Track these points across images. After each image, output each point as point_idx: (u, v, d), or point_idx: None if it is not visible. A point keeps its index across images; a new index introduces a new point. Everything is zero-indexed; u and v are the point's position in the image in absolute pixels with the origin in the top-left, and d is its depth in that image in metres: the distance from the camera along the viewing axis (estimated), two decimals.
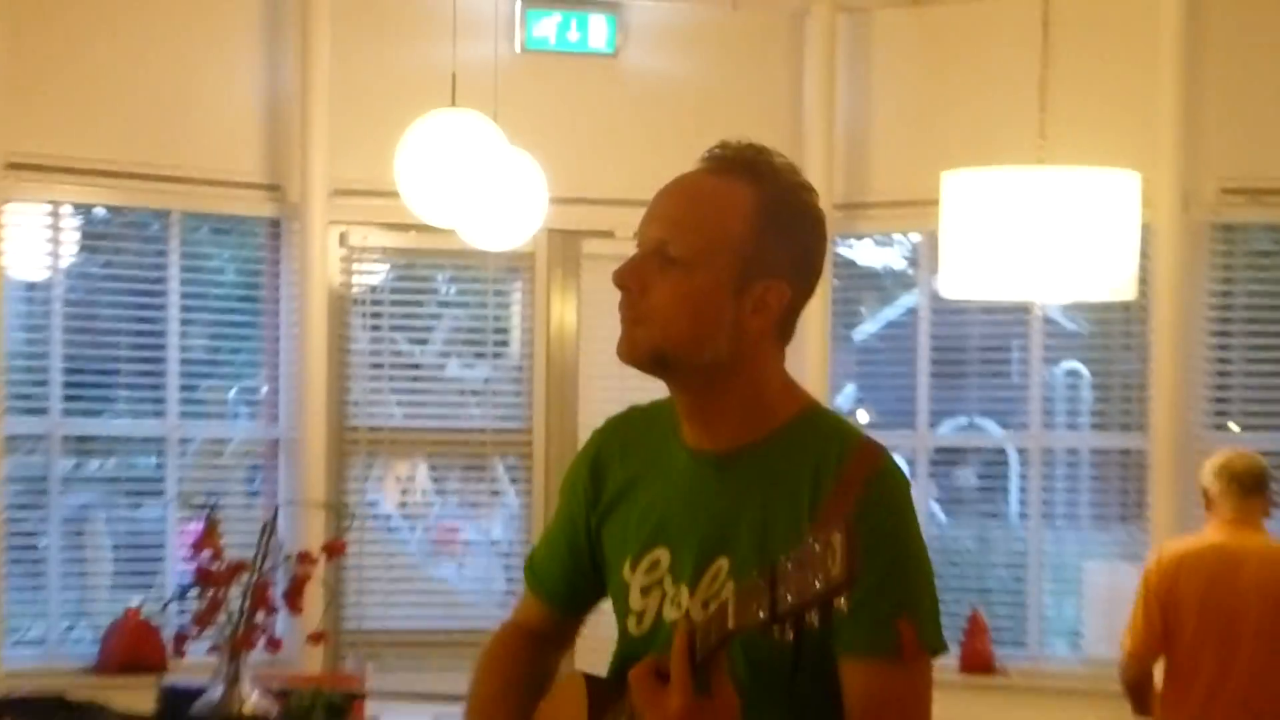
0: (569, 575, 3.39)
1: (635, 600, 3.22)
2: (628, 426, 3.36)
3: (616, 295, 3.10)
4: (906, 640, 3.03)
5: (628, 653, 3.17)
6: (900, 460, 9.64)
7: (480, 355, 9.95)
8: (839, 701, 3.05)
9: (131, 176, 9.15)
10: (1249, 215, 9.26)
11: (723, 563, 3.07)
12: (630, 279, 3.10)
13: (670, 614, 3.13)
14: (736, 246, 3.06)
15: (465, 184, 7.72)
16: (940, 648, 3.11)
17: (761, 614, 2.62)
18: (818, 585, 2.53)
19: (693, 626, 2.82)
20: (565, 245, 9.39)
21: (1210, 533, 7.32)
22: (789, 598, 2.58)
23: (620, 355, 3.14)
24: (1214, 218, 9.25)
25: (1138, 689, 7.34)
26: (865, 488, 3.01)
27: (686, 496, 3.18)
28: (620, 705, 2.95)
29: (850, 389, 10.19)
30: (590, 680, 3.24)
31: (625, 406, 3.39)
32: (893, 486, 3.11)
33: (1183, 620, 7.17)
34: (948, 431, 9.97)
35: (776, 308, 3.12)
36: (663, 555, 3.18)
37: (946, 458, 10.04)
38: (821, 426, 3.19)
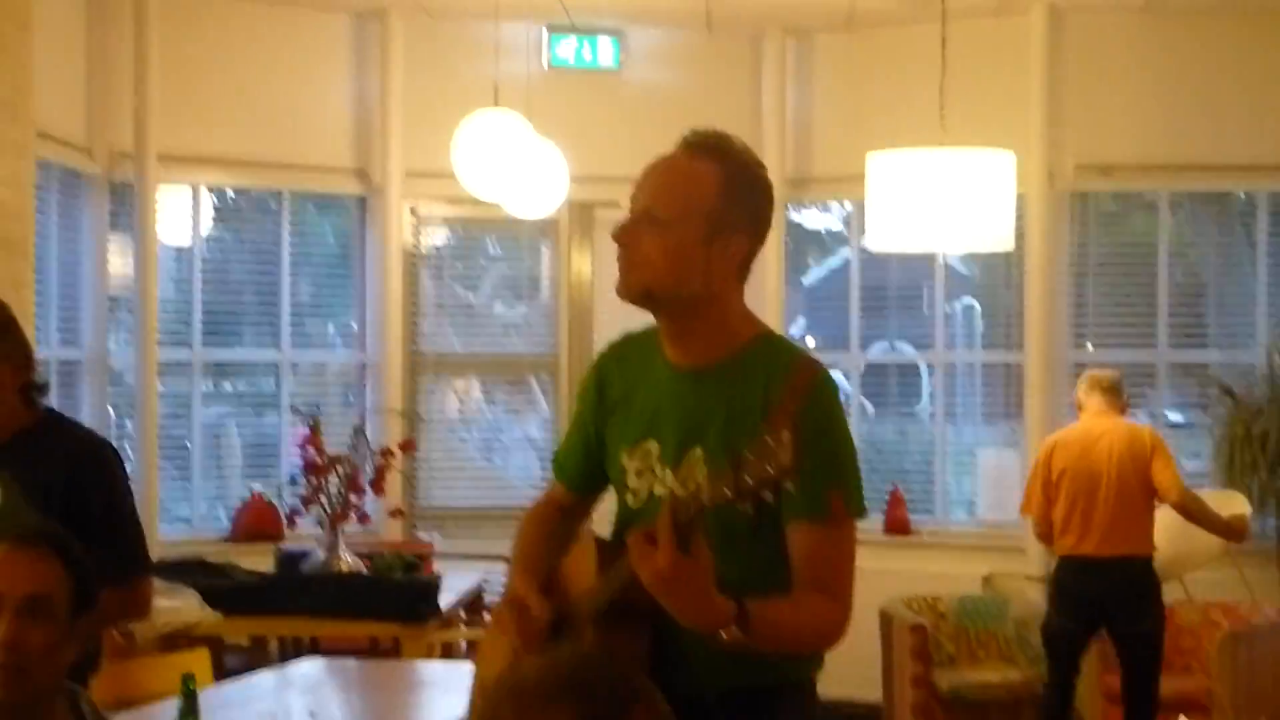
0: (583, 464, 3.40)
1: (631, 480, 3.22)
2: (624, 349, 3.37)
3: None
4: (836, 507, 3.04)
5: (626, 521, 3.17)
6: (838, 374, 9.65)
7: (519, 298, 9.94)
8: (786, 557, 3.06)
9: (252, 164, 9.18)
10: (1098, 186, 9.23)
11: (698, 451, 3.07)
12: (625, 236, 3.13)
13: (659, 491, 3.13)
14: (705, 210, 3.08)
15: (505, 167, 7.73)
16: (862, 513, 3.12)
17: (728, 492, 2.62)
18: (771, 471, 2.54)
19: (676, 502, 2.81)
20: (582, 214, 9.37)
21: (1079, 423, 7.58)
22: (749, 480, 2.58)
23: (619, 294, 3.16)
24: (1072, 188, 9.22)
25: (1043, 537, 7.65)
26: (806, 393, 3.01)
27: (670, 401, 3.18)
28: (621, 561, 2.95)
29: (801, 321, 10.18)
30: (599, 541, 3.25)
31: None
32: (827, 392, 3.12)
33: (1061, 483, 7.41)
34: (875, 352, 9.96)
35: (737, 255, 3.15)
36: (653, 446, 3.18)
37: (874, 372, 10.02)
38: (773, 347, 3.21)
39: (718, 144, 3.15)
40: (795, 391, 2.99)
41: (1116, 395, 7.55)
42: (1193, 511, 7.49)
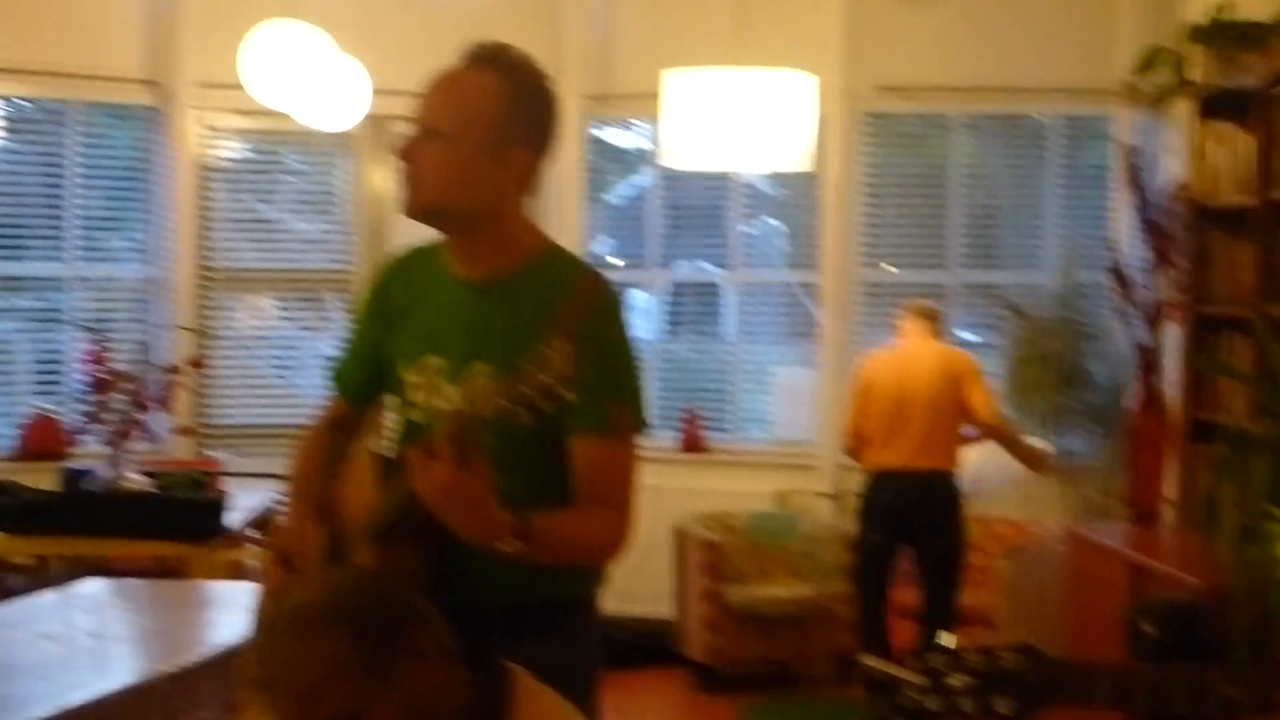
0: (362, 377, 3.39)
1: (413, 395, 3.21)
2: (407, 261, 3.36)
3: None
4: (618, 421, 3.05)
5: (406, 437, 3.17)
6: (641, 293, 9.62)
7: (316, 213, 9.81)
8: (568, 470, 3.06)
9: (39, 74, 8.93)
10: (895, 107, 9.30)
11: (480, 365, 3.06)
12: (409, 153, 3.11)
13: (440, 405, 3.12)
14: (488, 123, 3.06)
15: (298, 78, 7.63)
16: (644, 426, 3.14)
17: (507, 403, 2.61)
18: (549, 380, 2.54)
19: (455, 415, 2.80)
20: (379, 127, 9.24)
21: (898, 344, 7.81)
22: (527, 390, 2.58)
23: (404, 211, 3.15)
24: (869, 109, 9.28)
25: (852, 452, 7.86)
26: (589, 307, 3.01)
27: (454, 315, 3.18)
28: (400, 477, 2.93)
29: (605, 240, 10.15)
30: (378, 456, 3.23)
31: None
32: (611, 305, 3.13)
33: (875, 398, 7.62)
34: (677, 272, 9.98)
35: (522, 169, 3.14)
36: (435, 360, 3.17)
37: (676, 291, 10.04)
38: (558, 261, 3.21)
39: (500, 55, 3.13)
40: (578, 305, 2.99)
41: (934, 322, 7.77)
42: (1004, 434, 7.78)
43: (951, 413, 7.56)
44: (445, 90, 3.11)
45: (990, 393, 7.69)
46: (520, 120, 3.11)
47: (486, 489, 2.81)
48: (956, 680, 2.11)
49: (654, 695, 8.46)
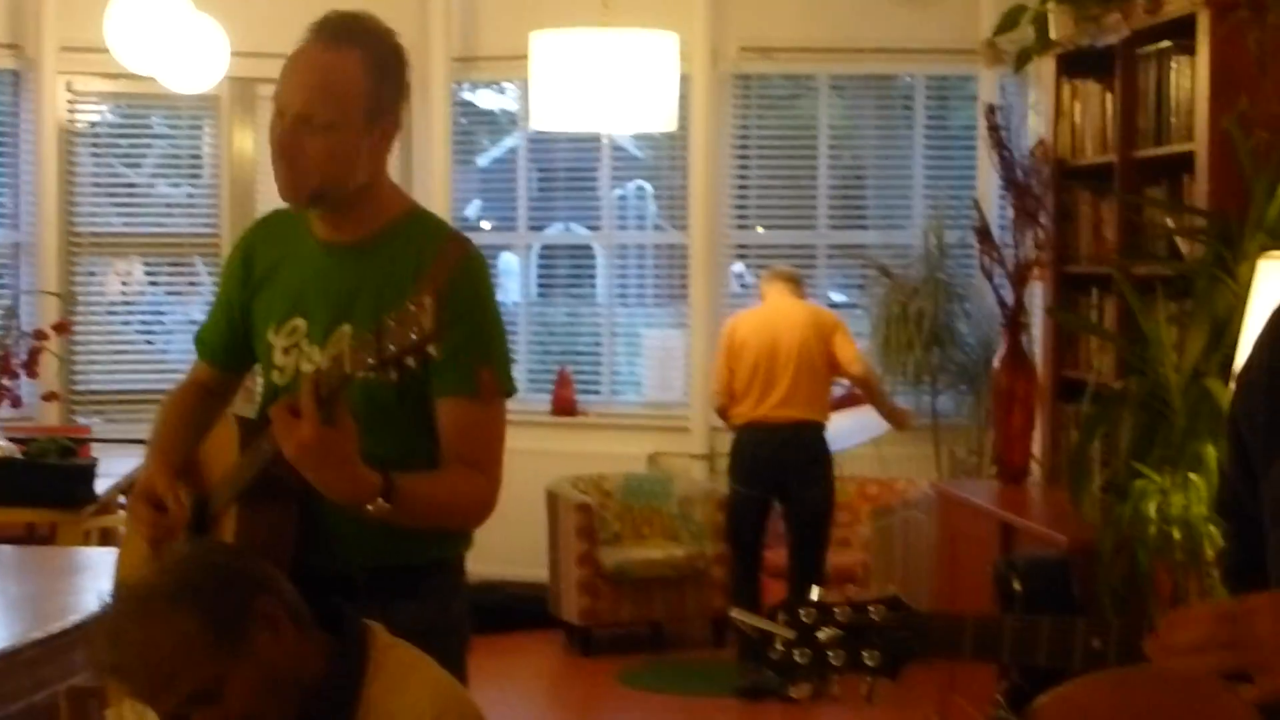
0: (226, 341, 3.36)
1: (278, 358, 3.18)
2: (270, 225, 3.35)
3: None
4: (485, 383, 3.03)
5: (271, 400, 3.13)
6: (510, 255, 9.57)
7: (183, 176, 9.70)
8: (434, 431, 3.04)
9: None
10: (761, 68, 9.31)
11: (346, 328, 3.04)
12: (289, 148, 3.05)
13: (306, 368, 3.10)
14: (361, 102, 3.05)
15: (160, 40, 7.53)
16: (511, 389, 3.14)
17: (370, 360, 2.59)
18: (413, 336, 2.53)
19: (319, 373, 2.78)
20: (244, 90, 9.14)
21: (763, 304, 7.94)
22: (391, 347, 2.56)
23: (286, 199, 3.14)
24: (734, 70, 9.28)
25: (722, 411, 7.93)
26: (454, 269, 3.01)
27: (319, 277, 3.16)
28: (264, 437, 2.89)
29: (476, 203, 10.11)
30: (240, 420, 3.20)
31: None
32: (477, 268, 3.13)
33: (743, 354, 7.71)
34: (548, 234, 9.95)
35: (391, 134, 3.14)
36: (300, 323, 3.16)
37: (547, 254, 10.02)
38: (422, 223, 3.21)
39: (353, 27, 3.12)
40: (443, 265, 2.99)
41: (796, 284, 7.92)
42: (872, 386, 7.96)
43: (820, 366, 7.67)
44: (312, 76, 3.06)
45: (856, 346, 7.83)
46: (386, 88, 3.10)
47: (352, 447, 2.79)
48: (825, 634, 2.11)
49: (529, 658, 8.46)
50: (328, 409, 2.73)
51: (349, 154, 3.06)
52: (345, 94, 3.04)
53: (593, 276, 9.99)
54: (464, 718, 2.73)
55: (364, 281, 3.09)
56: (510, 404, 3.16)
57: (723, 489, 8.13)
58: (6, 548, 6.18)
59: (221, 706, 2.58)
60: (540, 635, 8.61)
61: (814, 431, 7.68)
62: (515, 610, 8.60)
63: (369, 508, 2.86)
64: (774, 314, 7.76)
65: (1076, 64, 6.70)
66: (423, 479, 3.00)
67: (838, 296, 9.48)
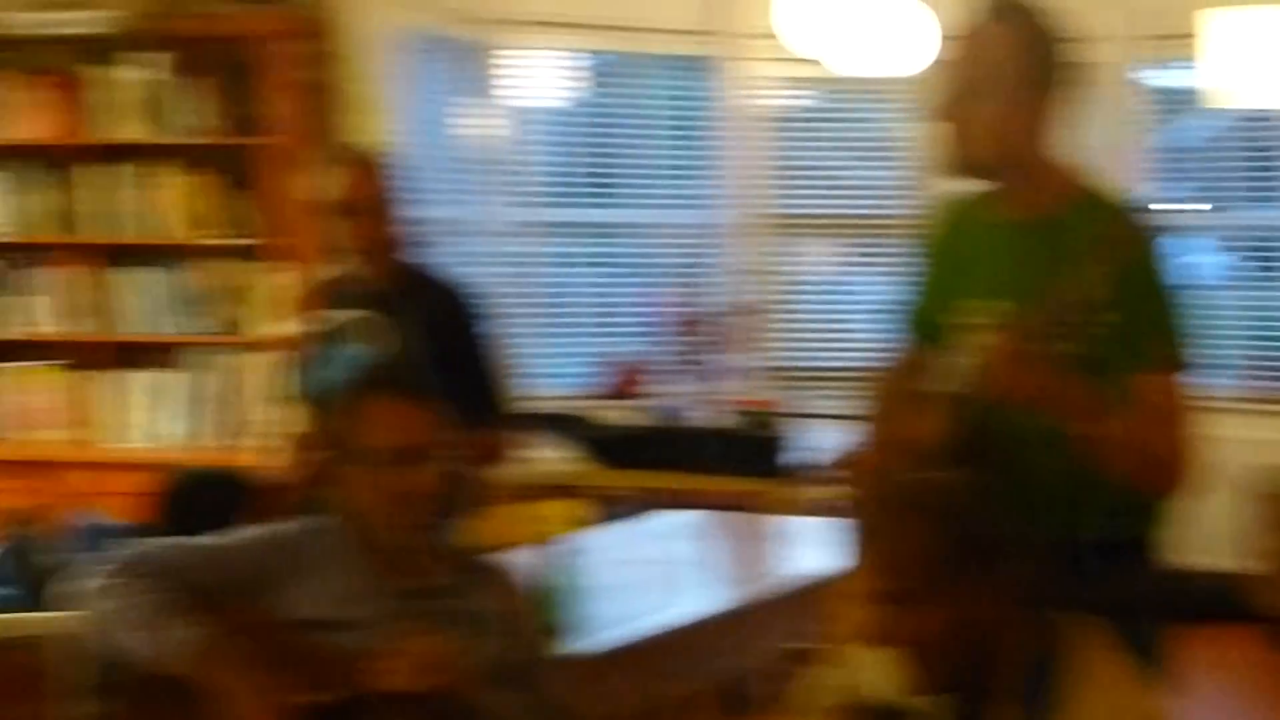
0: (930, 319, 3.55)
1: (960, 336, 3.30)
2: (953, 208, 3.59)
3: None
4: (1166, 358, 3.19)
5: (957, 378, 3.24)
6: (1201, 239, 8.81)
7: (876, 160, 9.84)
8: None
9: (600, 28, 9.24)
10: None
11: (1023, 305, 3.14)
12: (952, 113, 3.33)
13: (983, 344, 3.22)
14: (1012, 74, 3.27)
15: (865, 28, 7.67)
16: (1187, 365, 3.25)
17: (1050, 333, 2.96)
18: (1087, 311, 2.91)
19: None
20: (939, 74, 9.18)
21: None
22: (1067, 320, 2.95)
23: (949, 169, 3.37)
24: None
25: None
26: (1128, 247, 3.08)
27: (997, 256, 3.37)
28: (961, 407, 3.15)
29: (1160, 184, 9.89)
30: (933, 393, 3.32)
31: None
32: (1149, 247, 3.19)
33: None
34: (1249, 217, 9.66)
35: (1050, 111, 3.31)
36: (979, 302, 3.28)
37: (1239, 237, 9.72)
38: (1097, 201, 3.30)
39: (1007, 6, 3.29)
40: (1116, 244, 3.07)
41: None
42: None
43: None
44: (971, 49, 3.27)
45: None
46: (1038, 66, 3.25)
47: (1056, 371, 2.98)
48: None
49: (1220, 652, 8.23)
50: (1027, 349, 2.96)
51: (1003, 123, 3.23)
52: (996, 64, 3.23)
53: None
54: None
55: (1040, 259, 3.21)
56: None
57: None
58: (715, 513, 6.56)
59: None
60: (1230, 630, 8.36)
61: None
62: (1206, 601, 8.35)
63: (1076, 425, 3.05)
64: None
65: None
66: (1122, 416, 3.10)
67: None
